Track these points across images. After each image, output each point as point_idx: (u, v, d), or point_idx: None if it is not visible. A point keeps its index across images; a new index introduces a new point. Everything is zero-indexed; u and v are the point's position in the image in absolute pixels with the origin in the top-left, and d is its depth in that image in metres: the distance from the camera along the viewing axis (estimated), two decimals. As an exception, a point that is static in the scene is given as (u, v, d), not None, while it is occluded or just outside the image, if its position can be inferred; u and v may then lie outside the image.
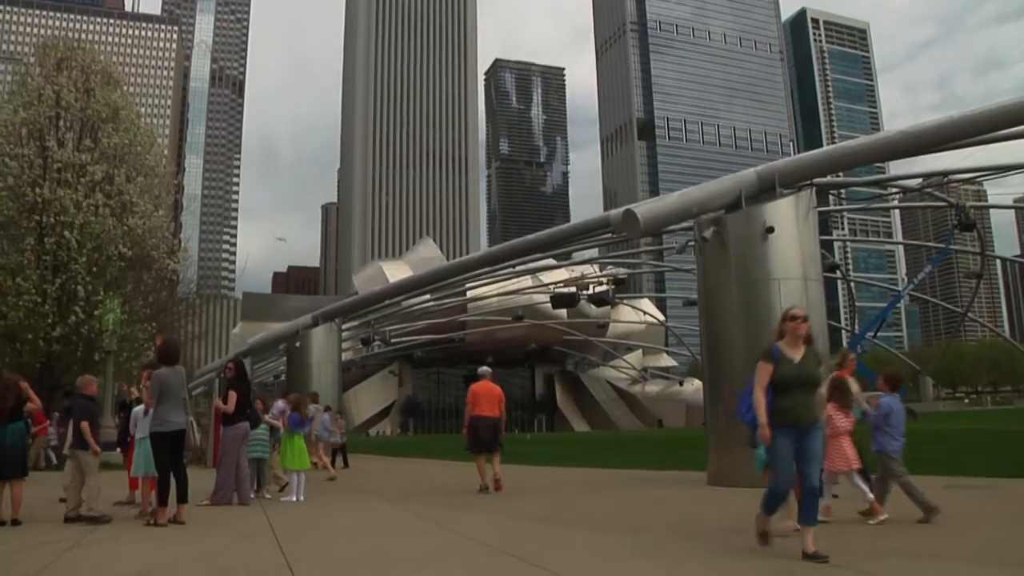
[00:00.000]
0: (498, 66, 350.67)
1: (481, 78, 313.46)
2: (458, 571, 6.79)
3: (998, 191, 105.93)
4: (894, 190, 45.10)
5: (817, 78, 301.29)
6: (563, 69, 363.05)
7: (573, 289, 52.73)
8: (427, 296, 53.20)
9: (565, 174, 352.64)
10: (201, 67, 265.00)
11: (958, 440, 25.15)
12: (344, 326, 39.17)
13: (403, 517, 11.07)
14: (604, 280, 52.57)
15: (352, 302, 40.26)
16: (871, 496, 9.01)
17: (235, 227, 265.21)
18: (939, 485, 12.48)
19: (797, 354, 6.86)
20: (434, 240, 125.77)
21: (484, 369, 14.95)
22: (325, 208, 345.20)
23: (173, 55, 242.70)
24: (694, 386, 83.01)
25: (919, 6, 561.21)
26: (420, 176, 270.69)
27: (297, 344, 33.72)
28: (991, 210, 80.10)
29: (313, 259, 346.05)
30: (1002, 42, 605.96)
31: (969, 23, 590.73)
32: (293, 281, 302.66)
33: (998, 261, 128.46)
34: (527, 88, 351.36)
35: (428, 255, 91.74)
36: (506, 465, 22.22)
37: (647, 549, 7.72)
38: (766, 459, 8.06)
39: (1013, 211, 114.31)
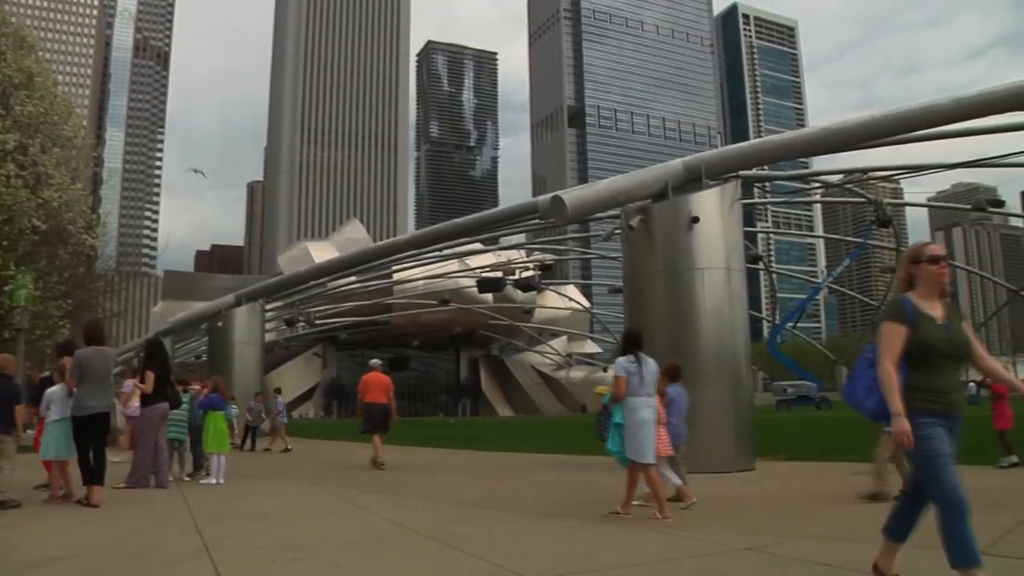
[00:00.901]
0: (431, 48, 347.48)
1: (413, 59, 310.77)
2: (381, 555, 6.76)
3: (914, 190, 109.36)
4: (816, 185, 46.13)
5: (746, 73, 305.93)
6: (496, 54, 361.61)
7: (500, 274, 52.80)
8: (353, 278, 52.70)
9: (495, 159, 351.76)
10: (124, 36, 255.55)
11: (874, 428, 25.89)
12: (268, 307, 38.57)
13: (325, 500, 10.99)
14: (531, 266, 52.73)
15: (276, 282, 39.63)
16: (678, 481, 9.34)
17: (157, 203, 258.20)
18: (850, 471, 12.90)
19: (938, 311, 4.78)
20: (361, 222, 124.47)
21: (375, 361, 17.16)
22: (251, 186, 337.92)
23: (94, 22, 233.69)
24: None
25: (845, 8, 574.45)
26: (349, 156, 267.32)
27: (219, 324, 33.08)
28: (907, 208, 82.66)
29: (237, 238, 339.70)
30: (921, 48, 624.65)
31: (891, 28, 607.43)
32: (217, 260, 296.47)
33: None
34: (459, 71, 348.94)
35: (355, 236, 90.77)
36: (429, 449, 22.24)
37: (571, 533, 7.78)
38: (621, 454, 8.45)
39: (927, 209, 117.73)
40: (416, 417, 78.18)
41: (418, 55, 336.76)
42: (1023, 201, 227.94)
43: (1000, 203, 59.74)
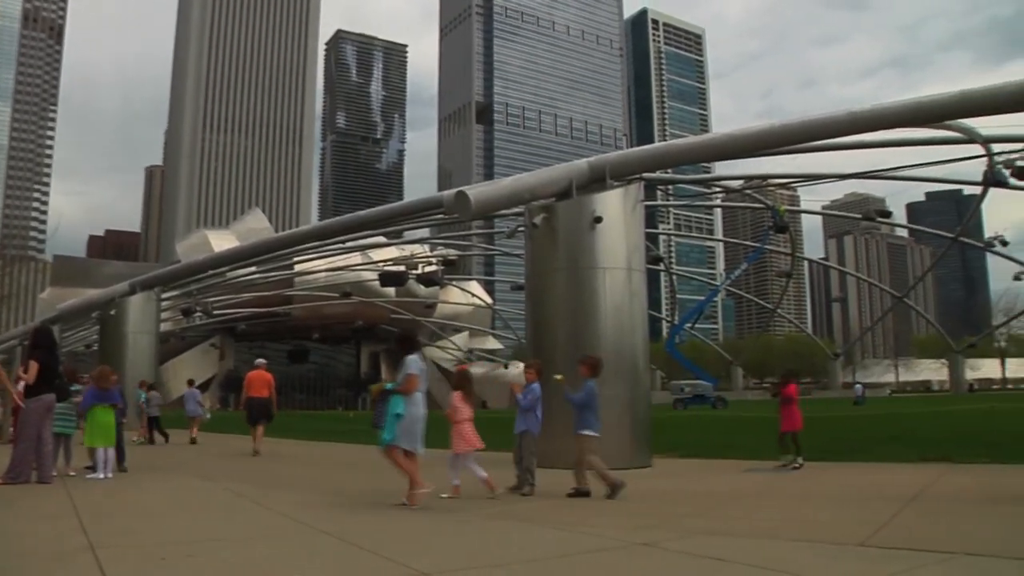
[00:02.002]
0: (340, 37, 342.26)
1: (322, 48, 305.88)
2: (276, 552, 6.63)
3: (809, 198, 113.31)
4: (717, 190, 47.28)
5: (653, 77, 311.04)
6: (406, 46, 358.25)
7: (403, 268, 52.53)
8: (253, 268, 51.75)
9: (401, 152, 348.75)
10: (11, 4, 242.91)
11: (765, 427, 26.71)
12: (164, 295, 37.52)
13: (218, 495, 10.76)
14: (434, 260, 52.64)
15: (173, 270, 38.58)
16: (457, 482, 9.99)
17: (48, 184, 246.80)
18: (741, 468, 13.27)
19: None
20: (263, 211, 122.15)
21: (259, 360, 19.37)
22: (149, 170, 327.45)
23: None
24: (519, 369, 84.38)
25: (752, 20, 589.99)
26: (252, 144, 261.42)
27: (112, 312, 31.97)
28: (802, 215, 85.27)
29: (134, 224, 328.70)
30: (821, 63, 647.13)
31: (793, 42, 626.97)
32: (111, 246, 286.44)
33: (806, 262, 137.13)
34: (368, 62, 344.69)
35: (256, 226, 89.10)
36: (327, 443, 22.07)
37: (467, 528, 7.78)
38: (388, 438, 9.00)
39: (821, 217, 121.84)
40: (315, 411, 77.10)
41: (327, 44, 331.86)
42: (908, 213, 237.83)
43: (888, 214, 62.40)
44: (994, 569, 5.67)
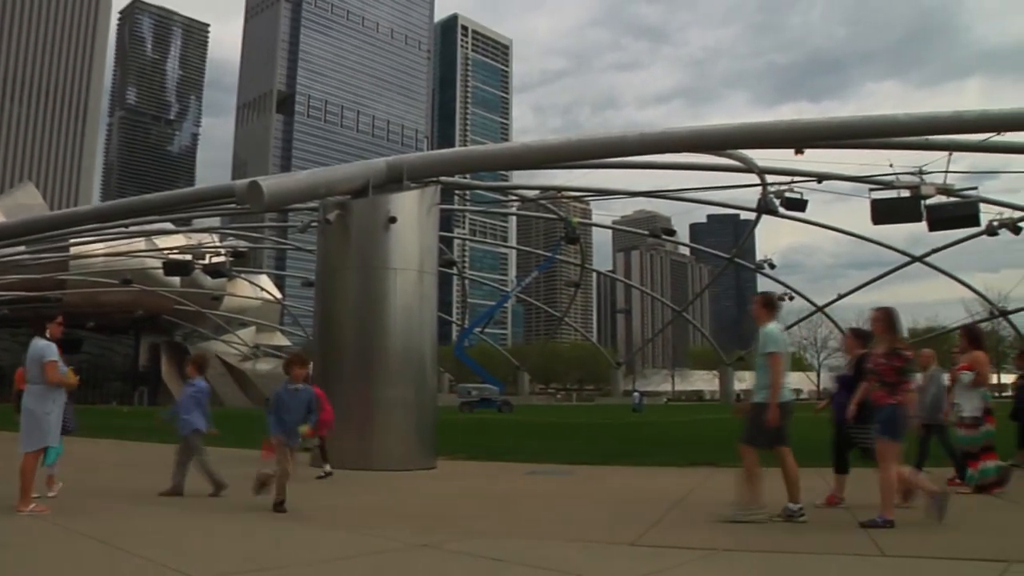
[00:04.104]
0: (136, 7, 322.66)
1: (115, 16, 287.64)
2: (35, 556, 6.19)
3: (602, 212, 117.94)
4: (513, 198, 48.35)
5: (459, 82, 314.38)
6: (208, 25, 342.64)
7: (189, 257, 50.34)
8: (22, 248, 48.08)
9: (195, 136, 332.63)
10: None
11: (549, 431, 27.55)
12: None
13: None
14: (223, 251, 50.77)
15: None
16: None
17: None
18: (524, 471, 13.58)
19: None
20: (37, 186, 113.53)
21: None
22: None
23: None
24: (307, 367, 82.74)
25: (559, 40, 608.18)
26: (28, 110, 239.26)
27: None
28: (593, 228, 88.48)
29: None
30: (619, 87, 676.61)
31: (596, 65, 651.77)
32: None
33: (595, 274, 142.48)
34: (166, 38, 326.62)
35: (28, 202, 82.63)
36: (90, 440, 20.71)
37: (246, 528, 7.60)
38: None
39: (611, 230, 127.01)
40: (88, 405, 72.62)
41: (121, 13, 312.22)
42: (691, 232, 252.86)
43: (672, 232, 65.76)
44: (746, 561, 6.17)
